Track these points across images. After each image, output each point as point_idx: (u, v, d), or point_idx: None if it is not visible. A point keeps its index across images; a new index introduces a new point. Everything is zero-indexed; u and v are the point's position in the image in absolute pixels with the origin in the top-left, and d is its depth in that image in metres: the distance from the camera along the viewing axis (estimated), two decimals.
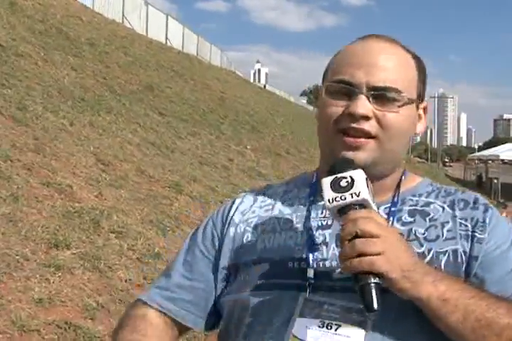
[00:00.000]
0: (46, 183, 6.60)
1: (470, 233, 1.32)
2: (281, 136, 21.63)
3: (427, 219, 1.34)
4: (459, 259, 1.29)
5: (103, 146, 8.84)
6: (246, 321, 1.35)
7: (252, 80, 53.57)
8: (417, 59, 1.40)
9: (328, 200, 1.19)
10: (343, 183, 1.19)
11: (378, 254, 1.14)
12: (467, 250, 1.30)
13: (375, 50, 1.36)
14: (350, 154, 1.31)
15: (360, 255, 1.14)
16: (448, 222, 1.34)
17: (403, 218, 1.35)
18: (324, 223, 1.37)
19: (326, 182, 1.21)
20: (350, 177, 1.19)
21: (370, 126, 1.31)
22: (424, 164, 59.01)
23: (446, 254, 1.29)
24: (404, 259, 1.16)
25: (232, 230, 1.47)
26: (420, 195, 1.40)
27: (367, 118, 1.31)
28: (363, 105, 1.30)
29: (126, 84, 14.52)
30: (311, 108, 68.44)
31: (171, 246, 6.66)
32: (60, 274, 5.08)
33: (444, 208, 1.37)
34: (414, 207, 1.37)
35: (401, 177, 1.42)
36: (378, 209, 1.31)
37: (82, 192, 6.86)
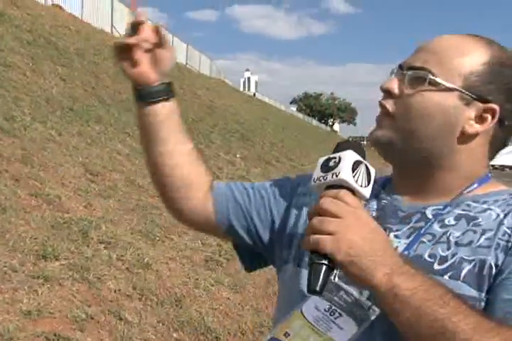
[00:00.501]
0: (34, 194, 6.58)
1: (510, 244, 1.19)
2: (271, 144, 21.67)
3: (471, 223, 1.25)
4: (485, 271, 1.17)
5: (92, 156, 8.82)
6: (284, 291, 1.42)
7: (242, 89, 53.68)
8: (495, 58, 1.30)
9: (313, 179, 1.18)
10: (331, 163, 1.17)
11: (329, 234, 1.10)
12: (499, 263, 1.18)
13: (439, 37, 1.35)
14: (373, 131, 1.33)
15: (315, 233, 1.11)
16: (491, 230, 1.22)
17: (446, 220, 1.27)
18: (372, 214, 1.34)
19: (320, 162, 1.20)
20: (339, 157, 1.17)
21: (390, 104, 1.30)
22: None
23: (472, 263, 1.19)
24: (357, 244, 1.10)
25: (302, 199, 1.48)
26: (484, 202, 1.29)
27: (390, 94, 1.31)
28: (389, 81, 1.32)
29: (115, 94, 14.50)
30: (300, 116, 68.60)
31: (161, 256, 6.65)
32: (48, 285, 5.05)
33: (498, 216, 1.25)
34: (466, 212, 1.28)
35: (472, 183, 1.32)
36: (426, 208, 1.30)
37: (70, 202, 6.84)
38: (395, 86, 1.30)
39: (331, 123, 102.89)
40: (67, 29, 18.60)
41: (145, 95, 1.48)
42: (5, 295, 4.67)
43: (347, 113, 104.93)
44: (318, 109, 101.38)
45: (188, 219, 1.61)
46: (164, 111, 1.49)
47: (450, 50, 1.29)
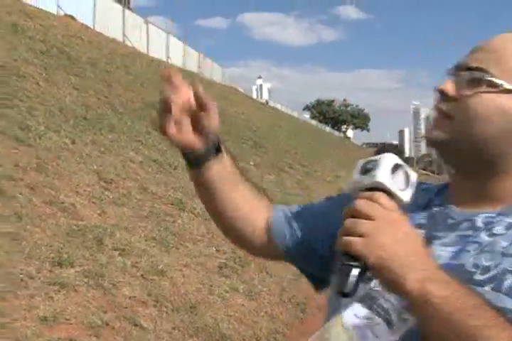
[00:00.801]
0: (49, 202, 6.63)
1: None
2: (284, 151, 21.70)
3: None
4: None
5: (105, 164, 8.87)
6: (331, 296, 1.38)
7: (254, 96, 53.76)
8: None
9: (351, 182, 1.16)
10: (370, 165, 1.14)
11: (361, 236, 1.06)
12: None
13: (498, 35, 1.27)
14: (429, 131, 1.27)
15: (347, 234, 1.08)
16: None
17: (495, 229, 1.19)
18: (421, 221, 1.30)
19: (359, 164, 1.18)
20: (378, 159, 1.13)
21: (447, 105, 1.24)
22: (428, 176, 58.73)
23: None
24: (389, 247, 1.05)
25: None
26: None
27: (446, 96, 1.24)
28: (445, 82, 1.26)
29: (128, 103, 14.59)
30: (313, 122, 68.55)
31: (175, 263, 6.68)
32: (64, 292, 5.10)
33: None
34: None
35: None
36: (477, 216, 1.23)
37: (85, 210, 6.90)
38: (450, 87, 1.24)
39: (344, 130, 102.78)
40: (79, 39, 18.76)
41: (192, 160, 1.46)
42: (22, 301, 4.71)
43: (360, 119, 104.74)
44: (331, 115, 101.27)
45: (254, 251, 1.64)
46: (216, 168, 1.47)
47: (510, 48, 1.22)
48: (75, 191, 7.32)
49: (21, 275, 5.03)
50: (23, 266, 5.18)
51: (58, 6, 22.57)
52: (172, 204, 8.60)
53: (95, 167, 8.51)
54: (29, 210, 6.21)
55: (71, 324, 4.75)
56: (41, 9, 20.18)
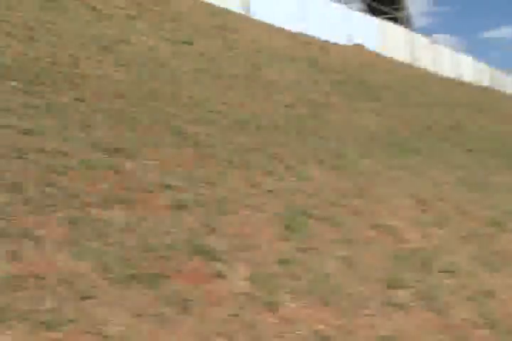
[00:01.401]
0: (373, 226, 6.89)
1: None
2: None
3: None
4: None
5: (418, 187, 9.00)
6: None
7: None
8: None
9: None
10: None
11: None
12: None
13: None
14: None
15: None
16: None
17: None
18: None
19: None
20: None
21: None
22: None
23: None
24: None
25: None
26: None
27: None
28: None
29: (428, 124, 14.61)
30: None
31: (503, 283, 6.52)
32: (400, 313, 5.26)
33: None
34: None
35: None
36: None
37: (407, 232, 7.05)
38: None
39: None
40: (371, 66, 19.31)
41: None
42: (362, 320, 4.97)
43: None
44: None
45: None
46: None
47: None
48: (395, 214, 7.52)
49: (358, 296, 5.30)
50: (359, 287, 5.46)
51: (348, 38, 23.44)
52: (490, 224, 8.41)
53: (409, 189, 8.67)
54: (356, 234, 6.53)
55: None
56: (336, 43, 21.15)
